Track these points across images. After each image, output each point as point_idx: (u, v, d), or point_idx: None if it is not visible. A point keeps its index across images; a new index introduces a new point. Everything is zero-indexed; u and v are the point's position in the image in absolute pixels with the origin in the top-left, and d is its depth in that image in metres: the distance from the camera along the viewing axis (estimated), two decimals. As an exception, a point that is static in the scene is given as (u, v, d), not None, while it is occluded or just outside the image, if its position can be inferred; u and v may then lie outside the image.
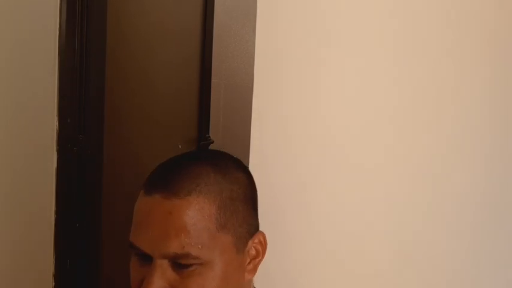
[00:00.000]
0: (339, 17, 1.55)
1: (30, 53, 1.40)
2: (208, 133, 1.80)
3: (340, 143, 1.58)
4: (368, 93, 1.58)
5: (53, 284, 1.49)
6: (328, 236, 1.60)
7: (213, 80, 1.60)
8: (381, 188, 1.61)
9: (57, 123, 1.46)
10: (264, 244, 0.84)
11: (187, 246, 0.75)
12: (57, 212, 1.49)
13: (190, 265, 0.75)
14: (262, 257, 0.84)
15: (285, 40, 1.53)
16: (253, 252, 0.83)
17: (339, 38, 1.55)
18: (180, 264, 0.75)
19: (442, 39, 1.61)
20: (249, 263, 0.82)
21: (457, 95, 1.65)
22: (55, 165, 1.47)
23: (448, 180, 1.66)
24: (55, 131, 1.46)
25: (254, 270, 0.83)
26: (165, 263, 0.75)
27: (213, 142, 1.64)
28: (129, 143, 1.64)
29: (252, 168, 1.45)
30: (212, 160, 0.82)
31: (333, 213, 1.59)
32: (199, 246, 0.75)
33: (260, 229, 0.86)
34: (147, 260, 0.76)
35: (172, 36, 1.71)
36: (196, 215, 0.76)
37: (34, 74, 1.42)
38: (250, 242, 0.82)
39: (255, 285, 0.87)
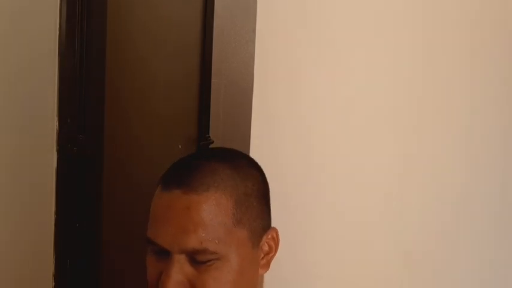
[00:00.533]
0: (339, 16, 1.55)
1: (30, 53, 1.40)
2: (208, 133, 1.80)
3: (341, 142, 1.58)
4: (369, 93, 1.58)
5: (53, 284, 1.49)
6: (327, 236, 1.60)
7: (213, 80, 1.60)
8: (381, 187, 1.61)
9: (57, 123, 1.46)
10: (276, 240, 0.85)
11: (205, 241, 0.76)
12: (57, 212, 1.49)
13: (208, 260, 0.76)
14: (275, 252, 0.85)
15: (285, 40, 1.53)
16: (266, 247, 0.84)
17: (339, 37, 1.55)
18: (197, 258, 0.76)
19: (442, 39, 1.61)
20: (263, 258, 0.84)
21: (459, 94, 1.65)
22: (55, 165, 1.47)
23: (449, 181, 1.66)
24: (55, 131, 1.46)
25: (267, 265, 0.85)
26: (182, 258, 0.76)
27: (213, 142, 1.64)
28: (129, 143, 1.64)
29: (252, 168, 1.44)
30: (227, 157, 0.84)
31: (333, 213, 1.59)
32: (217, 241, 0.76)
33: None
34: (164, 254, 0.77)
35: (172, 36, 1.71)
36: (213, 210, 0.77)
37: (34, 74, 1.42)
38: (264, 238, 0.83)
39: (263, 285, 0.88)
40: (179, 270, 0.76)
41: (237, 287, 0.80)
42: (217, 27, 1.59)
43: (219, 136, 1.62)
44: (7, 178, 1.37)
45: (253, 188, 0.83)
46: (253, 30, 1.51)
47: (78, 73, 1.49)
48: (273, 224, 0.86)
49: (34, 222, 1.46)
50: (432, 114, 1.63)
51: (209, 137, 1.66)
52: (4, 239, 1.38)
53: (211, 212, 0.77)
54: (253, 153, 1.51)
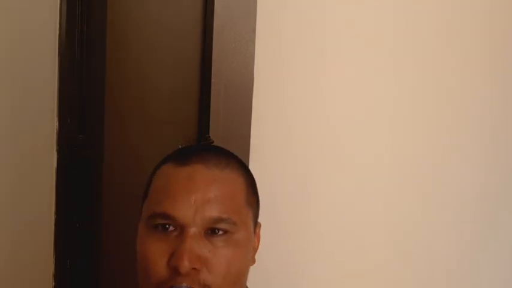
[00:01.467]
0: (339, 16, 1.55)
1: (30, 53, 1.40)
2: (208, 133, 1.80)
3: (341, 142, 1.58)
4: (370, 93, 1.58)
5: (53, 284, 1.49)
6: (329, 236, 1.60)
7: (213, 80, 1.60)
8: (383, 187, 1.61)
9: (57, 123, 1.47)
10: (259, 237, 0.88)
11: (228, 211, 0.78)
12: (57, 212, 1.49)
13: (224, 233, 0.77)
14: (258, 247, 0.87)
15: (285, 40, 1.53)
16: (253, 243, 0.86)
17: (339, 37, 1.54)
18: (214, 232, 0.77)
19: (442, 39, 1.61)
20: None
21: (459, 94, 1.65)
22: (55, 165, 1.47)
23: (448, 180, 1.66)
24: (55, 131, 1.46)
25: (253, 260, 0.86)
26: (197, 233, 0.76)
27: (213, 142, 1.64)
28: (129, 143, 1.64)
29: (252, 168, 1.44)
30: (228, 151, 0.89)
31: (334, 213, 1.59)
32: (236, 214, 0.79)
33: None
34: (172, 231, 0.77)
35: (172, 36, 1.71)
36: (233, 186, 0.81)
37: (34, 73, 1.42)
38: (255, 230, 0.86)
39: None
40: (196, 245, 0.75)
41: (244, 268, 0.81)
42: (217, 27, 1.59)
43: (219, 136, 1.62)
44: (7, 178, 1.37)
45: (253, 180, 0.87)
46: (253, 30, 1.51)
47: (78, 73, 1.49)
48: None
49: (34, 222, 1.46)
50: (435, 117, 1.63)
51: (209, 137, 1.67)
52: (4, 239, 1.38)
53: (231, 187, 0.80)
54: (253, 154, 1.51)
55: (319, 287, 1.61)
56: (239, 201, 0.81)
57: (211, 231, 0.77)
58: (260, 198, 0.96)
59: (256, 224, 0.86)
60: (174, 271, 0.74)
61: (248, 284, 0.86)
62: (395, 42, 1.58)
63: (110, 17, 1.53)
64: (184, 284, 0.74)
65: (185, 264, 0.73)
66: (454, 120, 1.65)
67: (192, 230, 0.75)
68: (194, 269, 0.74)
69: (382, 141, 1.60)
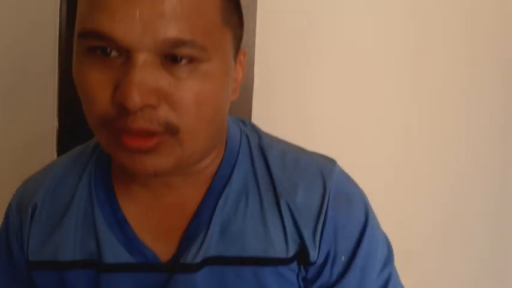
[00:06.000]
0: (339, 16, 1.55)
1: (30, 53, 1.40)
2: (208, 133, 1.79)
3: (341, 143, 1.58)
4: (369, 93, 1.58)
5: (53, 284, 1.49)
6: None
7: (213, 80, 1.60)
8: (384, 187, 1.61)
9: (57, 123, 1.47)
10: (244, 65, 0.71)
11: (193, 31, 0.55)
12: (57, 212, 1.48)
13: (189, 61, 0.56)
14: (242, 79, 0.71)
15: (285, 40, 1.53)
16: (235, 73, 0.68)
17: (339, 38, 1.55)
18: (175, 59, 0.56)
19: (443, 37, 1.61)
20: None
21: (461, 93, 1.65)
22: (55, 165, 1.47)
23: (449, 179, 1.66)
24: (55, 131, 1.46)
25: (236, 92, 0.70)
26: (149, 59, 0.55)
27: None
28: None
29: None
30: None
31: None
32: (207, 35, 0.57)
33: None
34: (114, 57, 0.56)
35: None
36: None
37: (34, 73, 1.42)
38: (237, 57, 0.68)
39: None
40: (149, 75, 0.54)
41: (221, 104, 0.62)
42: (217, 27, 1.59)
43: (219, 136, 1.63)
44: (7, 178, 1.37)
45: None
46: (253, 30, 1.51)
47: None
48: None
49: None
50: (434, 112, 1.63)
51: (209, 137, 1.66)
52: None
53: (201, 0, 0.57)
54: (253, 153, 1.51)
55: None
56: (211, 17, 0.58)
57: (171, 58, 0.56)
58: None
59: (238, 50, 0.66)
60: (122, 109, 0.56)
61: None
62: (396, 43, 1.58)
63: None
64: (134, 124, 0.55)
65: (134, 99, 0.53)
66: (454, 119, 1.65)
67: (142, 56, 0.54)
68: (150, 106, 0.55)
69: (383, 142, 1.60)
